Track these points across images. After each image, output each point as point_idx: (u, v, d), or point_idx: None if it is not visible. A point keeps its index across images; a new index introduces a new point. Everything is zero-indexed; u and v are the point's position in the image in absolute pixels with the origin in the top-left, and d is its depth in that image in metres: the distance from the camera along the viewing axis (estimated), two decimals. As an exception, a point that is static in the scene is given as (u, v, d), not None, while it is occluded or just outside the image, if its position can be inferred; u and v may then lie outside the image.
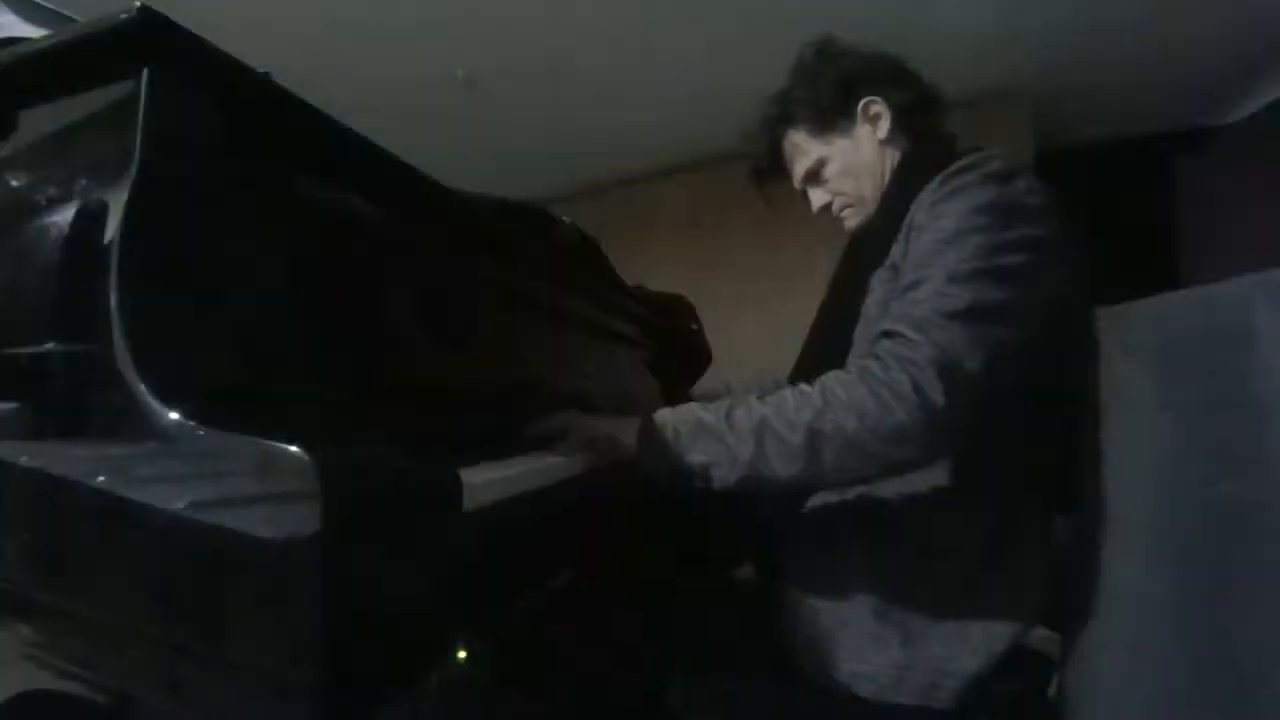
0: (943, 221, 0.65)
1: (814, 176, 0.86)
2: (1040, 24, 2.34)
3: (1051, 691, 0.68)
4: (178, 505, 0.31)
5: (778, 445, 0.59)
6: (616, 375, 1.25)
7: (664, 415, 0.67)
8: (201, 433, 0.34)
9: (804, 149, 0.86)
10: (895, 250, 0.72)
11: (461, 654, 0.80)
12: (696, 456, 0.63)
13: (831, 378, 0.60)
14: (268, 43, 2.04)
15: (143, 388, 0.36)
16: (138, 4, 0.41)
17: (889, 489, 0.70)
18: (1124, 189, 3.18)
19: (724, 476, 0.62)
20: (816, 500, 0.76)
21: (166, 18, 0.43)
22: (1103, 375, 0.61)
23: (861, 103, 0.81)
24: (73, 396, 0.41)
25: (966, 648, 0.64)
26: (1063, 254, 0.65)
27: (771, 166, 0.90)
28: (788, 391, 0.62)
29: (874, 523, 0.70)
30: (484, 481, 0.47)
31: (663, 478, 0.67)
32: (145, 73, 0.43)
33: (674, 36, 2.38)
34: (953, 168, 0.68)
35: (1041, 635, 0.73)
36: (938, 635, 0.65)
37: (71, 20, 0.55)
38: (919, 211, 0.69)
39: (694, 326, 1.74)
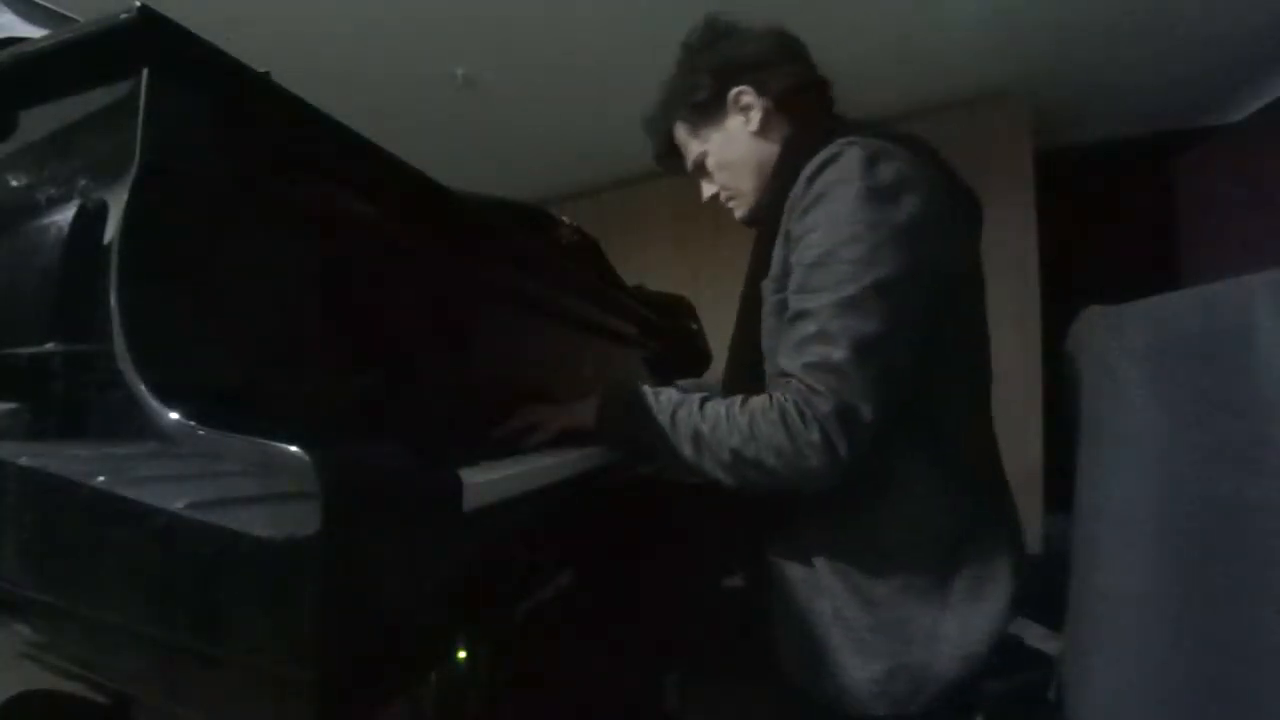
0: (813, 236, 0.65)
1: (700, 169, 0.86)
2: (1040, 24, 2.33)
3: (1051, 692, 0.68)
4: (177, 505, 0.31)
5: (711, 457, 0.66)
6: (616, 376, 1.25)
7: (618, 400, 0.73)
8: (201, 433, 0.34)
9: (685, 143, 0.85)
10: (777, 257, 0.72)
11: (461, 654, 0.80)
12: (647, 445, 0.70)
13: (759, 411, 0.64)
14: (268, 43, 2.04)
15: (143, 388, 0.36)
16: (138, 4, 0.41)
17: (848, 495, 0.69)
18: (1124, 189, 3.18)
19: (669, 466, 0.69)
20: (786, 513, 0.76)
21: (166, 18, 0.42)
22: (1102, 375, 0.61)
23: (731, 94, 0.79)
24: (73, 396, 0.41)
25: (945, 651, 0.65)
26: (945, 224, 0.67)
27: (670, 154, 0.89)
28: (723, 409, 0.66)
29: (839, 530, 0.71)
30: (484, 481, 0.47)
31: (616, 450, 0.74)
32: (145, 73, 0.43)
33: (674, 37, 2.37)
34: (811, 168, 0.67)
35: (1041, 635, 0.73)
36: (917, 639, 0.66)
37: (71, 20, 0.55)
38: (791, 219, 0.69)
39: (694, 326, 1.74)
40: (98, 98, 0.46)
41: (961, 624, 0.66)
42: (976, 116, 2.81)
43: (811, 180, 0.67)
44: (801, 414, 0.61)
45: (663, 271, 2.52)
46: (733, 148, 0.81)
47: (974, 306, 0.75)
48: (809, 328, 0.63)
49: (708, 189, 0.87)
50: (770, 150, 0.79)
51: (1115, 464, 0.59)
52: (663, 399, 0.71)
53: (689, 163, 0.87)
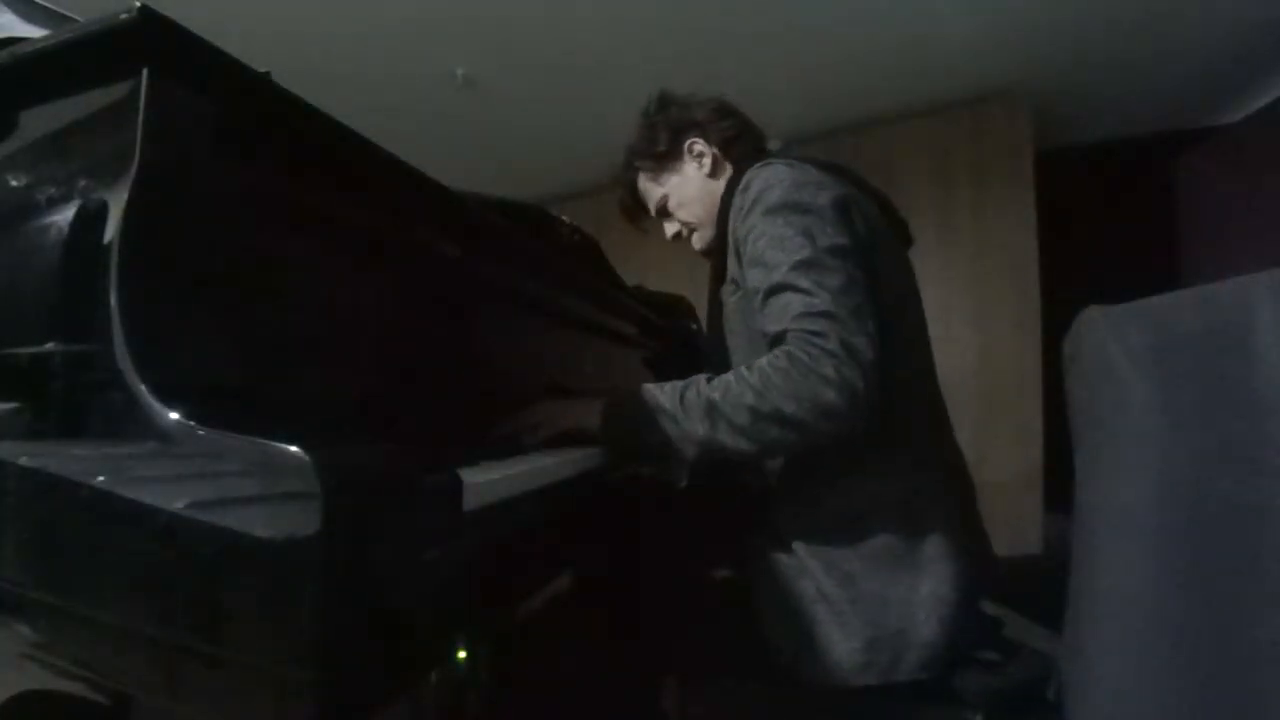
0: (757, 230, 0.74)
1: (663, 211, 1.01)
2: (1040, 24, 2.33)
3: (1051, 692, 0.68)
4: (177, 505, 0.31)
5: (727, 424, 0.67)
6: (616, 375, 1.25)
7: (623, 399, 0.75)
8: (201, 433, 0.34)
9: (649, 190, 1.01)
10: (731, 265, 0.83)
11: (461, 654, 0.80)
12: (656, 436, 0.71)
13: (768, 365, 0.67)
14: (268, 43, 2.04)
15: (143, 388, 0.36)
16: (138, 4, 0.41)
17: (811, 475, 0.77)
18: (1124, 189, 3.18)
19: (682, 452, 0.70)
20: (761, 500, 0.82)
21: (166, 18, 0.42)
22: (1102, 375, 0.61)
23: (685, 143, 0.95)
24: (73, 396, 0.41)
25: (921, 615, 0.70)
26: (867, 216, 0.77)
27: (635, 204, 1.05)
28: (730, 375, 0.69)
29: (808, 511, 0.77)
30: (484, 481, 0.47)
31: (626, 455, 0.75)
32: (145, 73, 0.43)
33: (674, 36, 2.38)
34: (743, 183, 0.80)
35: (1041, 635, 0.73)
36: (893, 607, 0.71)
37: (71, 20, 0.55)
38: (735, 227, 0.80)
39: (694, 326, 1.74)
40: (98, 98, 0.46)
41: (934, 587, 0.71)
42: (976, 116, 2.81)
43: (746, 190, 0.79)
44: (808, 354, 0.64)
45: (663, 271, 2.52)
46: (689, 188, 0.97)
47: (907, 296, 0.83)
48: (785, 294, 0.69)
49: (670, 228, 1.02)
50: (718, 187, 0.93)
51: (1115, 464, 0.59)
52: (667, 388, 0.72)
53: (652, 206, 1.02)
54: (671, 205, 0.99)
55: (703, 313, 1.85)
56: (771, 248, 0.72)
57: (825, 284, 0.67)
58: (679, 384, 0.72)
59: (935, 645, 0.70)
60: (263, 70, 0.50)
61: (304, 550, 0.29)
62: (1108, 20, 2.30)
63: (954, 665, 0.72)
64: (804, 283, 0.68)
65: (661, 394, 0.72)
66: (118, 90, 0.44)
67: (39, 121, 0.50)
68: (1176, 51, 2.48)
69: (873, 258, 0.74)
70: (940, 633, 0.70)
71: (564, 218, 1.28)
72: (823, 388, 0.63)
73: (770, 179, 0.77)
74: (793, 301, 0.68)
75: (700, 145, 0.95)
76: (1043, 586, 0.70)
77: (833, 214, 0.73)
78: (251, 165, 0.51)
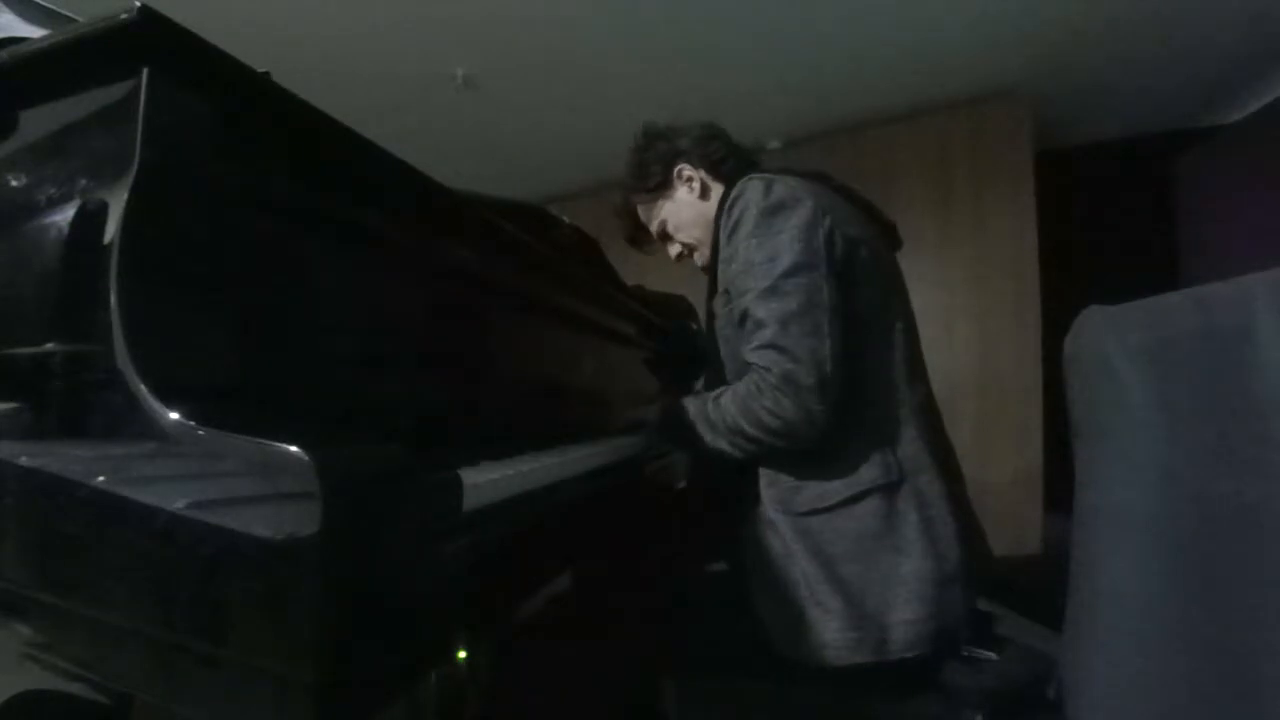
0: (736, 253, 0.83)
1: (663, 235, 1.08)
2: (1041, 24, 2.33)
3: (1051, 692, 0.68)
4: (178, 505, 0.31)
5: (722, 439, 0.83)
6: (616, 375, 1.25)
7: (677, 405, 0.90)
8: (201, 433, 0.34)
9: (647, 217, 1.09)
10: (720, 278, 0.90)
11: (461, 654, 0.80)
12: (696, 441, 0.86)
13: (728, 398, 0.81)
14: (268, 43, 2.04)
15: (143, 388, 0.36)
16: (138, 4, 0.41)
17: (793, 462, 0.82)
18: (1124, 189, 3.17)
19: (707, 450, 0.85)
20: (752, 491, 0.86)
21: (166, 18, 0.42)
22: (1102, 375, 0.61)
23: (675, 171, 1.02)
24: (73, 396, 0.41)
25: (902, 594, 0.74)
26: (836, 223, 0.81)
27: (639, 231, 1.12)
28: (726, 401, 0.82)
29: (792, 497, 0.81)
30: (484, 481, 0.47)
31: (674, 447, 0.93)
32: (145, 73, 0.43)
33: (673, 37, 2.38)
34: (729, 202, 0.86)
35: (1041, 635, 0.73)
36: (872, 587, 0.75)
37: (71, 20, 0.55)
38: (722, 245, 0.88)
39: (694, 326, 1.74)
40: (98, 98, 0.46)
41: (916, 566, 0.75)
42: (977, 116, 2.80)
43: (730, 212, 0.86)
44: (757, 385, 0.77)
45: (663, 272, 2.52)
46: (684, 212, 1.03)
47: (891, 296, 0.87)
48: (749, 322, 0.80)
49: (673, 249, 1.09)
50: (710, 208, 0.99)
51: (1115, 464, 0.59)
52: (695, 404, 0.85)
53: (654, 232, 1.09)
54: (670, 229, 1.06)
55: (704, 314, 1.86)
56: (742, 274, 0.81)
57: (777, 312, 0.76)
58: (705, 401, 0.86)
59: (919, 623, 0.73)
60: (263, 70, 0.50)
61: (304, 550, 0.29)
62: (1108, 20, 2.30)
63: (949, 651, 0.75)
64: (761, 313, 0.77)
65: (691, 405, 0.87)
66: (118, 90, 0.44)
67: (39, 121, 0.50)
68: (1177, 51, 2.48)
69: (850, 269, 0.80)
70: (923, 612, 0.73)
71: (564, 218, 1.28)
72: (765, 418, 0.76)
73: (747, 200, 0.83)
74: (752, 334, 0.79)
75: (689, 171, 1.01)
76: (1042, 586, 0.70)
77: (799, 233, 0.79)
78: (251, 165, 0.51)
